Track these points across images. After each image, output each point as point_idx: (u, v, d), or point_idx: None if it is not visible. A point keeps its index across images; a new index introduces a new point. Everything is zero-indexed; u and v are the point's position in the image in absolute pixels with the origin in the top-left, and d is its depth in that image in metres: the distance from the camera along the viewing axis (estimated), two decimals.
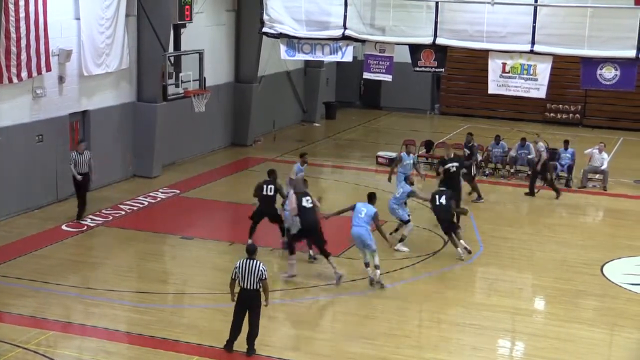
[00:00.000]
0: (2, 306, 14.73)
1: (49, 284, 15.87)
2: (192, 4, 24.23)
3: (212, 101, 25.35)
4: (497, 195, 23.77)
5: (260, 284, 12.92)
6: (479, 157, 24.79)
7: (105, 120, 22.74)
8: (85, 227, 19.36)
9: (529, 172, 25.49)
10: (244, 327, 13.11)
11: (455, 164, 20.24)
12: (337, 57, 25.06)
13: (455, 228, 18.23)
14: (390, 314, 15.12)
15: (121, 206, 21.13)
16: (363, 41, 24.67)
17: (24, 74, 19.40)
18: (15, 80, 19.22)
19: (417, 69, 24.20)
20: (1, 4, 18.55)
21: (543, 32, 22.34)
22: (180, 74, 23.65)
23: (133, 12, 23.35)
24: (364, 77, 25.44)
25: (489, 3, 22.39)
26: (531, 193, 23.35)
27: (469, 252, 18.07)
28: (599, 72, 22.45)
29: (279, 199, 17.99)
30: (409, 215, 18.46)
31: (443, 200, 18.06)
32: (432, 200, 18.25)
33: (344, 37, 24.27)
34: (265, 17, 24.80)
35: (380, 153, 26.97)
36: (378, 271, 16.12)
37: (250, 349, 13.15)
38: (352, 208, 16.39)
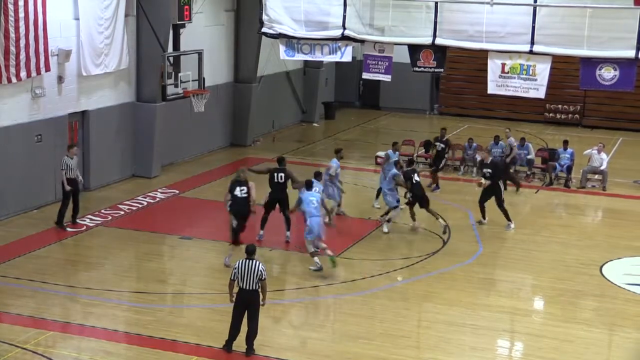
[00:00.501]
0: (1, 306, 14.72)
1: (47, 284, 15.86)
2: (191, 4, 24.21)
3: (211, 101, 25.34)
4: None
5: (260, 284, 12.94)
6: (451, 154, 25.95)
7: (104, 121, 22.74)
8: (84, 227, 19.35)
9: (528, 173, 25.53)
10: (242, 328, 13.12)
11: (489, 169, 20.50)
12: (336, 58, 25.03)
13: (429, 202, 19.72)
14: (389, 314, 15.12)
15: (120, 206, 21.13)
16: (362, 41, 24.65)
17: (23, 74, 19.40)
18: (14, 80, 19.21)
19: (416, 69, 24.18)
20: (0, 4, 18.54)
21: (542, 33, 22.32)
22: (180, 74, 23.63)
23: (132, 12, 23.35)
24: (363, 77, 25.42)
25: (488, 3, 22.37)
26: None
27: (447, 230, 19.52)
28: (598, 72, 22.43)
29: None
30: (397, 202, 19.68)
31: (417, 177, 19.68)
32: (409, 179, 19.53)
33: (343, 38, 24.25)
34: (264, 17, 24.77)
35: (379, 153, 26.92)
36: (328, 251, 16.74)
37: (250, 349, 13.15)
38: (300, 202, 17.09)
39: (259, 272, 12.87)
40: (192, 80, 24.20)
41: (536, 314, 15.90)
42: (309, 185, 17.26)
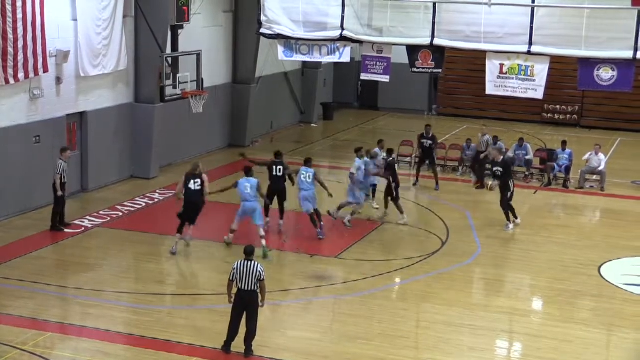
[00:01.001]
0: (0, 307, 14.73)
1: (46, 285, 15.85)
2: (189, 5, 24.22)
3: (209, 102, 25.32)
4: (494, 195, 23.70)
5: (258, 285, 12.94)
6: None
7: (102, 122, 22.73)
8: (83, 228, 19.34)
9: (527, 173, 25.53)
10: (241, 328, 13.12)
11: (500, 168, 20.58)
12: (334, 58, 24.99)
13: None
14: (388, 315, 15.12)
15: (119, 207, 21.13)
16: (360, 42, 24.60)
17: (21, 75, 19.38)
18: (12, 81, 19.20)
19: (415, 69, 24.15)
20: None
21: (540, 33, 22.30)
22: (178, 75, 23.62)
23: (130, 13, 23.34)
24: (362, 78, 25.37)
25: (486, 4, 22.35)
26: (481, 186, 23.18)
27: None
28: (596, 73, 22.41)
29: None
30: (362, 199, 20.36)
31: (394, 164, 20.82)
32: (392, 168, 20.65)
33: (342, 38, 24.22)
34: (262, 18, 24.74)
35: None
36: (264, 241, 17.53)
37: (248, 350, 13.15)
38: (235, 185, 17.84)
39: (258, 273, 12.88)
40: (191, 81, 24.18)
41: (535, 315, 15.91)
42: (247, 172, 18.00)
